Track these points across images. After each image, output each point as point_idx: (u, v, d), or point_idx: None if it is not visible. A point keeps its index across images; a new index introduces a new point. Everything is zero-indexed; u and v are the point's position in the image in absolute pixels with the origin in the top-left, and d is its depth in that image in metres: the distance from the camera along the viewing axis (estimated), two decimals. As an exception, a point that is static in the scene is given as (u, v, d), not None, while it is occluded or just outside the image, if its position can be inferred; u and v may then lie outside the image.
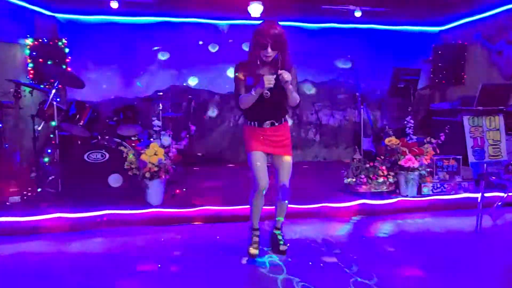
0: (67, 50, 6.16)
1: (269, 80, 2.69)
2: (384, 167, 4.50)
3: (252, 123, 2.96)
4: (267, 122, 2.94)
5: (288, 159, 3.01)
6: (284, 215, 3.21)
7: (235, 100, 2.93)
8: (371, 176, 4.49)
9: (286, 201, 3.10)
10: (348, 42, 7.30)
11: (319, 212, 4.14)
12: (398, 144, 4.53)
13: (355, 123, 7.46)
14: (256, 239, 3.14)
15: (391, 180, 4.48)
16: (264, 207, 3.13)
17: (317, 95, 7.51)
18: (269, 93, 2.79)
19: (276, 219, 3.22)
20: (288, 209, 3.99)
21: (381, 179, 4.46)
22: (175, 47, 6.98)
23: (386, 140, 4.52)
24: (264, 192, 2.98)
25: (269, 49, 2.75)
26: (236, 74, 2.88)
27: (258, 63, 2.82)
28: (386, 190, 4.50)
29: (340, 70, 7.44)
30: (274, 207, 3.22)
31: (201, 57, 7.04)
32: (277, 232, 3.22)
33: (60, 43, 6.10)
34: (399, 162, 4.47)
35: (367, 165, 4.55)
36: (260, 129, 2.95)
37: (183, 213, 4.02)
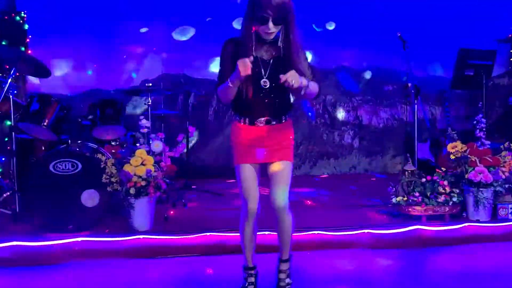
0: (26, 26, 6.27)
1: (244, 65, 2.65)
2: (446, 182, 4.46)
3: (242, 119, 2.97)
4: (261, 119, 2.93)
5: (284, 164, 2.97)
6: (290, 241, 3.13)
7: (217, 79, 2.93)
8: (428, 194, 4.45)
9: (289, 219, 3.05)
10: (397, 15, 7.26)
11: (357, 241, 4.14)
12: (466, 151, 4.49)
13: (407, 124, 7.43)
14: (251, 279, 3.13)
15: (455, 199, 4.44)
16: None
17: (355, 86, 7.51)
18: (267, 83, 2.81)
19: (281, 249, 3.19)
20: (314, 237, 4.08)
21: (442, 198, 4.42)
22: (169, 24, 7.06)
23: (449, 146, 4.50)
24: (254, 217, 3.00)
25: (271, 24, 2.74)
26: (222, 54, 2.89)
27: (254, 41, 2.82)
28: (448, 212, 4.46)
29: (387, 53, 7.39)
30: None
31: (207, 36, 7.08)
32: (281, 267, 3.17)
33: (17, 18, 6.22)
34: (467, 176, 4.43)
35: (423, 180, 4.51)
36: (251, 129, 2.94)
37: (178, 241, 4.04)
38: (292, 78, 2.67)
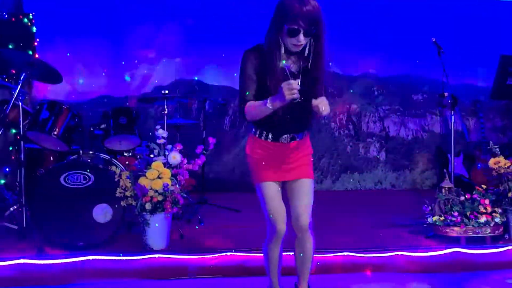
0: (34, 29, 6.30)
1: (291, 90, 2.55)
2: (487, 201, 4.41)
3: (264, 135, 2.93)
4: (286, 136, 2.91)
5: (307, 182, 2.98)
6: (310, 265, 3.14)
7: (239, 104, 2.87)
8: (468, 213, 4.40)
9: (311, 240, 3.03)
10: (426, 18, 7.25)
11: (389, 264, 4.09)
12: (509, 167, 4.43)
13: (440, 136, 7.36)
14: None
15: (497, 220, 4.38)
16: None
17: (382, 95, 7.48)
18: (298, 96, 2.71)
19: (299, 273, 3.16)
20: (343, 259, 4.02)
21: (483, 219, 4.36)
22: (184, 28, 7.06)
23: (491, 162, 4.43)
24: (281, 238, 2.98)
25: (301, 37, 2.70)
26: (245, 66, 2.83)
27: (282, 52, 2.77)
28: (490, 234, 4.40)
29: (417, 60, 7.40)
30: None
31: (220, 40, 7.10)
32: None
33: (25, 20, 6.23)
34: (510, 194, 4.37)
35: (462, 198, 4.46)
36: (275, 145, 2.92)
37: (195, 261, 4.02)
38: (324, 106, 2.62)
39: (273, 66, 2.75)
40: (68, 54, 6.85)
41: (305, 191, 2.97)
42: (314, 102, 2.62)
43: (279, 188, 2.98)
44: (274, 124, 2.86)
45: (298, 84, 2.60)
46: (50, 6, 6.75)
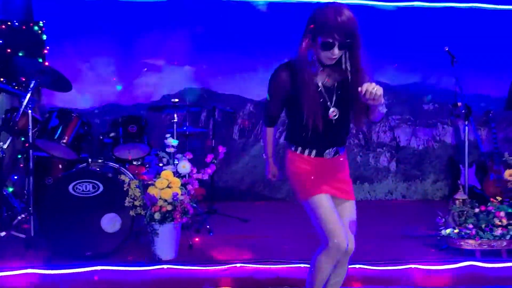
0: (44, 37, 6.30)
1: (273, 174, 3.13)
2: (503, 214, 4.35)
3: (307, 151, 2.85)
4: (330, 150, 2.84)
5: (353, 205, 2.95)
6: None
7: (264, 110, 2.95)
8: (483, 226, 4.34)
9: (347, 266, 3.00)
10: (438, 27, 7.20)
11: (402, 277, 4.04)
12: (525, 179, 4.37)
13: (451, 146, 7.30)
14: None
15: (513, 233, 4.32)
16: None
17: (393, 104, 7.41)
18: (336, 112, 2.73)
19: None
20: (355, 271, 3.96)
21: (498, 231, 4.30)
22: (193, 35, 7.06)
23: (508, 173, 4.38)
24: (340, 257, 2.85)
25: (336, 50, 2.61)
26: (273, 87, 2.80)
27: (316, 66, 2.70)
28: (506, 247, 4.34)
29: (429, 69, 7.34)
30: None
31: (229, 48, 7.09)
32: None
33: (36, 28, 6.25)
34: (526, 206, 4.33)
35: (477, 210, 4.41)
36: (319, 161, 2.84)
37: (205, 272, 3.99)
38: (373, 87, 2.50)
39: (306, 83, 2.68)
40: (77, 62, 6.85)
41: (353, 215, 2.93)
42: (363, 88, 2.50)
43: (334, 203, 2.85)
44: (317, 141, 2.80)
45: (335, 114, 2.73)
46: (60, 14, 6.75)
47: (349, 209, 2.92)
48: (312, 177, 2.82)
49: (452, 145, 7.32)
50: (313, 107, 2.67)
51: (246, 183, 7.19)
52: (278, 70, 2.78)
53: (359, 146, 7.41)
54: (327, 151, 2.83)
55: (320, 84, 2.74)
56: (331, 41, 2.58)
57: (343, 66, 2.74)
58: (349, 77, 2.74)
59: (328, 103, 2.74)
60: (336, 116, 2.73)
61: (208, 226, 5.13)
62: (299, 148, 2.85)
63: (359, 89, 2.52)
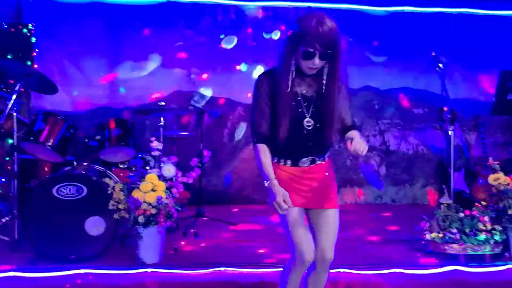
0: (33, 39, 6.29)
1: (280, 209, 2.60)
2: (486, 218, 4.33)
3: (283, 161, 2.80)
4: (305, 159, 2.80)
5: (333, 213, 2.88)
6: None
7: (251, 134, 2.81)
8: (467, 230, 4.32)
9: (327, 275, 2.95)
10: (427, 32, 7.22)
11: (387, 281, 3.99)
12: (509, 184, 4.37)
13: (440, 151, 7.31)
14: None
15: (497, 237, 4.30)
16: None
17: (382, 109, 7.43)
18: (311, 122, 2.69)
19: None
20: (338, 276, 3.94)
21: (482, 236, 4.29)
22: (183, 38, 7.06)
23: (491, 178, 4.38)
24: (306, 268, 2.85)
25: (317, 60, 2.59)
26: (257, 94, 2.73)
27: (294, 77, 2.68)
28: (489, 252, 4.33)
29: (418, 74, 7.36)
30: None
31: (219, 52, 7.10)
32: None
33: (24, 30, 6.23)
34: (510, 212, 4.31)
35: (461, 215, 4.39)
36: (294, 170, 2.80)
37: (189, 276, 3.97)
38: (360, 146, 2.55)
39: (282, 91, 2.66)
40: (67, 65, 6.84)
41: (332, 223, 2.86)
42: (350, 146, 2.56)
43: (304, 215, 2.83)
44: (292, 150, 2.77)
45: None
46: (50, 16, 6.74)
47: (329, 218, 2.86)
48: (286, 188, 2.72)
49: (442, 149, 7.34)
50: (287, 116, 2.64)
51: (236, 187, 7.19)
52: (260, 77, 2.76)
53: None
54: (302, 160, 2.79)
55: (299, 93, 2.72)
56: (312, 50, 2.56)
57: (323, 76, 2.72)
58: (324, 88, 2.72)
59: (306, 113, 2.72)
60: (311, 127, 2.69)
61: (194, 230, 5.12)
62: (276, 158, 2.80)
63: (348, 143, 2.59)
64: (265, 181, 2.69)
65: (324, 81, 2.71)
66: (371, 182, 7.28)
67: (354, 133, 2.72)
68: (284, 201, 2.58)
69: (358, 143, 2.57)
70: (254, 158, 2.78)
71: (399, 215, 6.60)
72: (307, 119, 2.71)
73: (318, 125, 2.71)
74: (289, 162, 2.79)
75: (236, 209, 6.66)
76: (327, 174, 2.88)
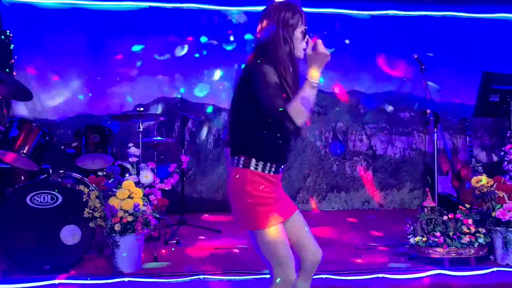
0: (12, 46, 6.25)
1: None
2: (470, 221, 4.30)
3: (268, 167, 2.54)
4: (284, 165, 2.65)
5: (299, 213, 2.77)
6: None
7: (269, 102, 2.44)
8: (451, 234, 4.28)
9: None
10: (414, 36, 7.25)
11: (370, 287, 3.96)
12: (492, 186, 4.33)
13: (426, 154, 7.29)
14: None
15: (481, 240, 4.26)
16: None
17: (369, 113, 7.41)
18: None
19: None
20: (318, 282, 3.87)
21: (466, 239, 4.25)
22: (166, 44, 7.02)
23: (474, 181, 4.34)
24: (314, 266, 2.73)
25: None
26: (270, 75, 2.45)
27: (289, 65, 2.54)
28: (474, 255, 4.29)
29: (403, 77, 7.35)
30: None
31: (204, 58, 7.07)
32: None
33: (2, 37, 6.19)
34: (494, 214, 4.27)
35: (445, 218, 4.35)
36: (275, 178, 2.60)
37: (168, 285, 3.90)
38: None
39: (291, 77, 2.52)
40: (48, 72, 6.79)
41: (305, 222, 2.76)
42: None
43: None
44: (281, 151, 2.60)
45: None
46: (30, 23, 6.71)
47: (302, 218, 2.76)
48: (274, 204, 2.55)
49: (428, 153, 7.32)
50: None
51: (221, 194, 7.12)
52: (265, 63, 2.50)
53: (335, 155, 7.37)
54: (282, 166, 2.64)
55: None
56: (306, 27, 2.58)
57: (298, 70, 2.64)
58: (300, 82, 2.59)
59: None
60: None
61: (177, 238, 5.05)
62: (260, 164, 2.53)
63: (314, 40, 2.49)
64: (311, 81, 2.45)
65: (298, 75, 2.60)
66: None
67: None
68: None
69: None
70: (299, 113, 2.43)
71: (386, 220, 6.56)
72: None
73: None
74: (273, 168, 2.57)
75: (222, 217, 6.58)
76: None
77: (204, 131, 7.15)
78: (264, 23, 2.58)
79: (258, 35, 2.62)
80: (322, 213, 7.11)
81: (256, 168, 2.51)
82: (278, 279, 2.56)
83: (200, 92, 7.14)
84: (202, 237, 5.42)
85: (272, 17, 2.57)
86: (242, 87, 2.56)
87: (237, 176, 2.51)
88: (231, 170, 2.56)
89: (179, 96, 7.09)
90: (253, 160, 2.51)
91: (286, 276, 2.55)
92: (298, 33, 2.56)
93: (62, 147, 4.91)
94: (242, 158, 2.51)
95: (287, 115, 2.41)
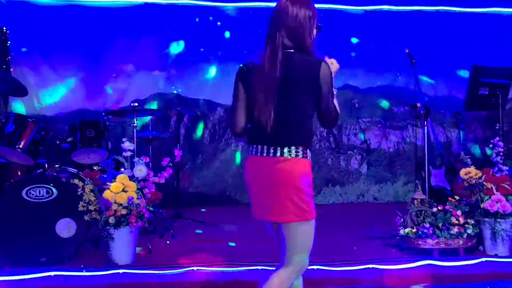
0: (8, 43, 6.27)
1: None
2: (459, 212, 4.34)
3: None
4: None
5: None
6: None
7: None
8: (440, 225, 4.32)
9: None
10: (406, 30, 7.27)
11: (361, 277, 4.01)
12: (481, 178, 4.37)
13: (421, 148, 7.32)
14: None
15: (470, 231, 4.30)
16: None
17: (363, 107, 7.44)
18: None
19: None
20: (310, 273, 3.87)
21: (455, 230, 4.28)
22: (162, 40, 7.05)
23: (462, 172, 4.38)
24: None
25: None
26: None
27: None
28: (463, 246, 4.33)
29: (396, 71, 7.39)
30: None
31: (200, 54, 7.10)
32: None
33: (-1, 34, 6.22)
34: (483, 205, 4.31)
35: (435, 209, 4.38)
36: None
37: (162, 277, 3.94)
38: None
39: None
40: (45, 68, 6.81)
41: None
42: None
43: None
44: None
45: None
46: (27, 20, 6.73)
47: None
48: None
49: (422, 146, 7.35)
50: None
51: (217, 189, 7.17)
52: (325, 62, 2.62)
53: (330, 149, 7.43)
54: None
55: None
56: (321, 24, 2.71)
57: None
58: None
59: None
60: None
61: (172, 231, 5.09)
62: (308, 152, 2.59)
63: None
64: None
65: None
66: None
67: None
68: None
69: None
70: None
71: (380, 213, 6.58)
72: None
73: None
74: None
75: (218, 211, 6.63)
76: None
77: (200, 126, 7.19)
78: (302, 12, 2.59)
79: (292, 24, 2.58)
80: (317, 207, 7.14)
81: (310, 159, 2.59)
82: (305, 266, 2.66)
83: (196, 88, 7.17)
84: (197, 230, 5.46)
85: (311, 8, 2.63)
86: (306, 83, 2.55)
87: (303, 167, 2.53)
88: (285, 161, 2.51)
89: (175, 92, 7.12)
90: (309, 152, 2.57)
91: (307, 263, 2.67)
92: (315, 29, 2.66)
93: (58, 142, 4.95)
94: (301, 148, 2.53)
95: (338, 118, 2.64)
